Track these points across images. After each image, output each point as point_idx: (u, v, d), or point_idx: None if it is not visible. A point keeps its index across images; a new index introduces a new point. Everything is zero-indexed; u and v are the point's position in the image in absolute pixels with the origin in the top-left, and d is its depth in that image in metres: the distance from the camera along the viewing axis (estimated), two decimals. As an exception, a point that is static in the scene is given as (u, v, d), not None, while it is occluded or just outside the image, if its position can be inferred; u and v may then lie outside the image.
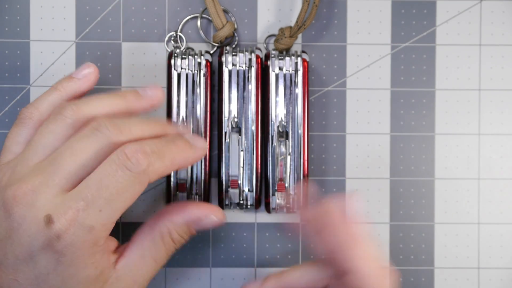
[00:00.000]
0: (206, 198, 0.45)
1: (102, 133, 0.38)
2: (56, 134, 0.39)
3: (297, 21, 0.45)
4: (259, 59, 0.45)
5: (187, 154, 0.40)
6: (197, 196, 0.45)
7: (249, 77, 0.45)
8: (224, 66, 0.45)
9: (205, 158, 0.45)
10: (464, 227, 0.48)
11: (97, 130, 0.38)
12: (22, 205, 0.37)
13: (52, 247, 0.37)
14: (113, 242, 0.40)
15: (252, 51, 0.45)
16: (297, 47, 0.47)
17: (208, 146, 0.40)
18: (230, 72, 0.45)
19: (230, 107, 0.44)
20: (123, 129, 0.38)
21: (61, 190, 0.37)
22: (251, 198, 0.45)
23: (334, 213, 0.40)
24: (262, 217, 0.47)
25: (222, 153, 0.45)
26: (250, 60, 0.45)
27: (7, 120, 0.47)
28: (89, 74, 0.42)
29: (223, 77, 0.45)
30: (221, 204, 0.45)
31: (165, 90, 0.47)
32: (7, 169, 0.40)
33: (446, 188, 0.48)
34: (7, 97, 0.47)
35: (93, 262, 0.38)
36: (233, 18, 0.47)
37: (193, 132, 0.45)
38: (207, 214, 0.41)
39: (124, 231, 0.47)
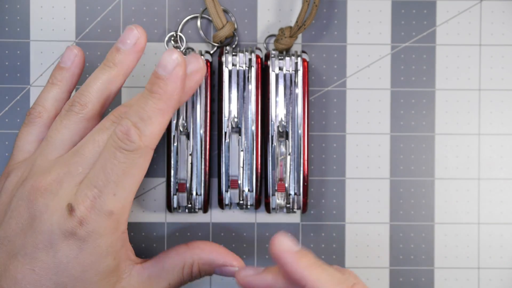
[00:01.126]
0: (206, 198, 0.45)
1: (117, 124, 0.39)
2: (71, 129, 0.41)
3: (297, 21, 0.45)
4: (259, 59, 0.45)
5: (170, 93, 0.39)
6: (197, 196, 0.45)
7: (249, 77, 0.45)
8: (224, 66, 0.45)
9: (205, 158, 0.45)
10: (464, 227, 0.48)
11: (114, 122, 0.40)
12: (47, 194, 0.38)
13: (75, 235, 0.38)
14: (133, 253, 0.42)
15: (252, 51, 0.45)
16: (297, 47, 0.47)
17: (180, 57, 0.38)
18: (230, 72, 0.45)
19: (230, 107, 0.44)
20: (141, 116, 0.39)
21: (84, 179, 0.39)
22: (251, 198, 0.45)
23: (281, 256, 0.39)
24: (262, 217, 0.47)
25: (222, 153, 0.45)
26: (250, 60, 0.45)
27: (7, 120, 0.47)
28: (75, 57, 0.43)
29: (223, 77, 0.45)
30: (221, 204, 0.45)
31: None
32: (26, 165, 0.41)
33: (446, 188, 0.48)
34: (7, 97, 0.47)
35: (114, 252, 0.39)
36: (233, 18, 0.47)
37: (192, 133, 0.45)
38: (233, 264, 0.43)
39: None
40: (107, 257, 0.39)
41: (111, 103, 0.43)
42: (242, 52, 0.45)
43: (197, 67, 0.42)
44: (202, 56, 0.44)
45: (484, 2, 0.48)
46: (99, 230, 0.38)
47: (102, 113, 0.42)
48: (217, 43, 0.47)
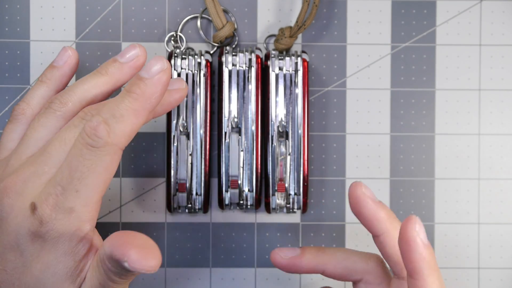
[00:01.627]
0: (206, 198, 0.45)
1: (86, 120, 0.38)
2: (47, 127, 0.39)
3: (297, 21, 0.45)
4: (259, 59, 0.45)
5: (148, 95, 0.38)
6: (197, 196, 0.45)
7: (249, 77, 0.45)
8: (224, 66, 0.45)
9: (205, 158, 0.45)
10: (464, 227, 0.48)
11: (83, 119, 0.38)
12: (12, 195, 0.37)
13: (37, 233, 0.37)
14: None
15: (252, 51, 0.45)
16: (297, 47, 0.47)
17: (167, 64, 0.38)
18: (230, 72, 0.45)
19: (230, 107, 0.44)
20: (114, 113, 0.37)
21: (50, 178, 0.38)
22: (251, 198, 0.45)
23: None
24: (262, 217, 0.47)
25: (222, 153, 0.45)
26: (250, 60, 0.45)
27: (7, 120, 0.47)
28: (68, 58, 0.42)
29: (223, 77, 0.45)
30: (221, 204, 0.45)
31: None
32: (3, 163, 0.40)
33: (446, 188, 0.48)
34: (7, 97, 0.47)
35: (74, 253, 0.37)
36: (233, 18, 0.47)
37: (192, 133, 0.45)
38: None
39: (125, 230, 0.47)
40: (66, 257, 0.37)
41: None
42: (242, 52, 0.45)
43: (180, 86, 0.41)
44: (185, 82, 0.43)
45: (484, 2, 0.48)
46: (58, 228, 0.37)
47: None
48: (217, 43, 0.47)
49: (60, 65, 0.42)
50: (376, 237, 0.40)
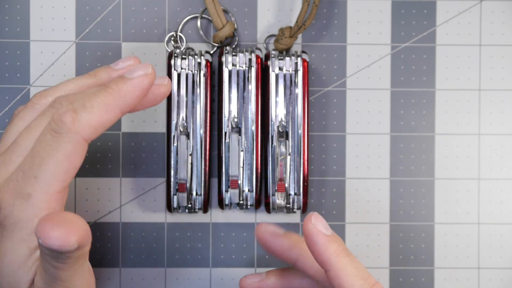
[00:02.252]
0: (206, 198, 0.45)
1: (56, 108, 0.37)
2: (24, 120, 0.39)
3: (297, 21, 0.45)
4: (259, 59, 0.45)
5: (124, 93, 0.37)
6: (197, 196, 0.45)
7: (249, 77, 0.45)
8: (224, 66, 0.45)
9: (205, 158, 0.45)
10: (464, 227, 0.48)
11: (51, 107, 0.38)
12: None
13: None
14: None
15: (252, 51, 0.45)
16: (297, 47, 0.47)
17: (152, 70, 0.38)
18: (230, 72, 0.45)
19: (230, 107, 0.44)
20: (84, 103, 0.37)
21: (17, 167, 0.37)
22: (251, 198, 0.45)
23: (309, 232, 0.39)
24: (262, 217, 0.47)
25: (222, 153, 0.45)
26: (250, 60, 0.45)
27: (7, 120, 0.47)
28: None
29: (223, 77, 0.45)
30: (221, 204, 0.45)
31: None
32: None
33: (446, 188, 0.48)
34: (7, 97, 0.47)
35: (29, 240, 0.36)
36: (233, 18, 0.47)
37: (192, 133, 0.45)
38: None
39: (124, 231, 0.47)
40: (20, 244, 0.36)
41: None
42: (242, 52, 0.45)
43: (161, 82, 0.40)
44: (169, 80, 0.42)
45: (484, 2, 0.48)
46: (15, 214, 0.36)
47: None
48: (217, 43, 0.47)
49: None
50: (295, 265, 0.41)
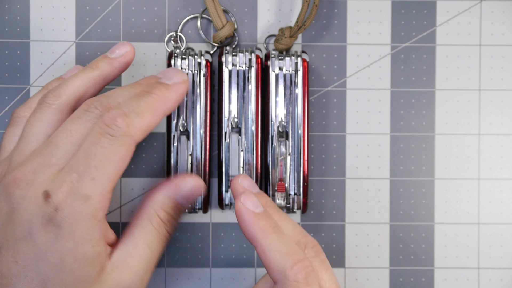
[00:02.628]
0: (206, 198, 0.45)
1: (92, 113, 0.39)
2: (44, 121, 0.41)
3: (297, 21, 0.45)
4: (259, 59, 0.45)
5: (167, 98, 0.41)
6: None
7: (249, 77, 0.45)
8: (224, 66, 0.45)
9: (205, 158, 0.45)
10: (464, 227, 0.48)
11: (87, 111, 0.40)
12: (22, 186, 0.38)
13: (51, 221, 0.37)
14: (112, 236, 0.41)
15: (252, 51, 0.45)
16: (297, 47, 0.47)
17: (187, 78, 0.42)
18: (230, 72, 0.45)
19: (230, 107, 0.44)
20: (110, 104, 0.40)
21: (59, 169, 0.38)
22: (251, 198, 0.45)
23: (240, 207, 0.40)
24: (262, 217, 0.47)
25: (222, 153, 0.45)
26: (250, 60, 0.45)
27: (7, 120, 0.47)
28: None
29: (223, 77, 0.45)
30: (221, 204, 0.45)
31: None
32: (4, 162, 0.41)
33: (446, 188, 0.48)
34: (7, 97, 0.47)
35: (91, 239, 0.38)
36: (233, 18, 0.47)
37: (192, 133, 0.45)
38: (182, 179, 0.42)
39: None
40: (84, 244, 0.38)
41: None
42: (242, 52, 0.45)
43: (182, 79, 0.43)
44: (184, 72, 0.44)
45: (484, 2, 0.48)
46: (74, 215, 0.37)
47: (75, 108, 0.42)
48: (217, 43, 0.47)
49: (66, 77, 0.44)
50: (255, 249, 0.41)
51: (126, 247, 0.40)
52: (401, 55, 0.48)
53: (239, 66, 0.45)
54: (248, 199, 0.40)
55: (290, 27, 0.46)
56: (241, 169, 0.45)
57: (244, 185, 0.42)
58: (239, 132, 0.45)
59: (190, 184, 0.42)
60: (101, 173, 0.38)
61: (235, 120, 0.45)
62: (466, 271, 0.48)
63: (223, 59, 0.45)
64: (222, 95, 0.45)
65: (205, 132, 0.45)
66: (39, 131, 0.41)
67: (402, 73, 0.48)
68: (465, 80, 0.48)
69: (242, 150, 0.45)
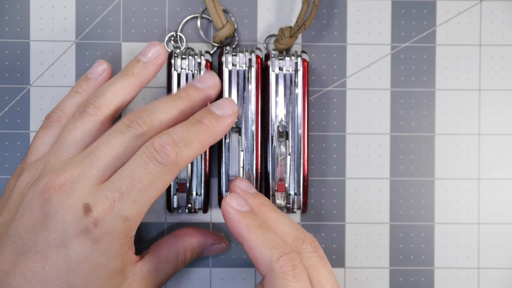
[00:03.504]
0: (206, 198, 0.45)
1: (135, 129, 0.40)
2: (84, 130, 0.41)
3: (297, 21, 0.45)
4: (259, 59, 0.45)
5: (216, 130, 0.41)
6: (197, 196, 0.45)
7: (249, 77, 0.45)
8: (224, 66, 0.45)
9: (205, 158, 0.45)
10: (464, 227, 0.48)
11: (130, 127, 0.40)
12: (61, 193, 0.39)
13: (89, 234, 0.38)
14: (133, 252, 0.42)
15: (252, 51, 0.45)
16: (297, 47, 0.47)
17: (236, 109, 0.42)
18: (230, 72, 0.45)
19: (230, 107, 0.44)
20: (153, 121, 0.40)
21: (98, 181, 0.39)
22: (251, 198, 0.45)
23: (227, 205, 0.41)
24: (262, 217, 0.47)
25: (222, 153, 0.45)
26: (250, 60, 0.45)
27: (7, 120, 0.47)
28: (103, 71, 0.44)
29: (223, 77, 0.45)
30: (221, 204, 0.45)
31: (165, 90, 0.47)
32: (38, 164, 0.41)
33: (446, 188, 0.48)
34: (7, 97, 0.47)
35: (122, 254, 0.39)
36: (233, 18, 0.47)
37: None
38: (220, 241, 0.45)
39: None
40: (116, 259, 0.39)
41: (123, 110, 0.44)
42: (242, 52, 0.45)
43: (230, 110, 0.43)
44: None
45: (484, 2, 0.48)
46: (112, 232, 0.38)
47: (115, 118, 0.43)
48: (217, 43, 0.47)
49: (96, 77, 0.44)
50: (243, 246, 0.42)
51: (149, 265, 0.42)
52: (401, 55, 0.48)
53: (239, 66, 0.45)
54: (233, 199, 0.41)
55: (290, 27, 0.46)
56: (241, 169, 0.45)
57: (241, 187, 0.43)
58: (239, 132, 0.45)
59: (221, 248, 0.46)
60: (143, 197, 0.39)
61: (235, 120, 0.44)
62: (466, 271, 0.48)
63: (223, 59, 0.45)
64: (222, 95, 0.45)
65: (205, 132, 0.45)
66: (78, 139, 0.41)
67: (402, 73, 0.48)
68: (465, 80, 0.48)
69: (242, 150, 0.45)
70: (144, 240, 0.47)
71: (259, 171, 0.45)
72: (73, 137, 0.41)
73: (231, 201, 0.41)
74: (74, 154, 0.41)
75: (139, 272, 0.42)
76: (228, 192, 0.44)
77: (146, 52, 0.43)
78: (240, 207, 0.41)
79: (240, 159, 0.45)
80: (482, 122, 0.48)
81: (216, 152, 0.46)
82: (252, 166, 0.45)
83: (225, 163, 0.45)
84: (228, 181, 0.45)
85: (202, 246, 0.45)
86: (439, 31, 0.48)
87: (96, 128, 0.41)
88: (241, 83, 0.45)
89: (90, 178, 0.39)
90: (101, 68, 0.44)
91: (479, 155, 0.48)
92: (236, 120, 0.43)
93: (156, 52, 0.43)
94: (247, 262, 0.48)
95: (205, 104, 0.43)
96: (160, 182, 0.39)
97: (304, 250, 0.40)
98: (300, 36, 0.47)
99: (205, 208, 0.46)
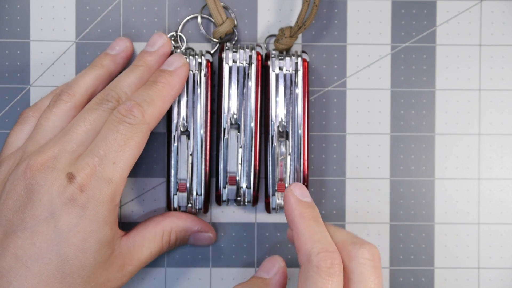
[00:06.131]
0: (206, 198, 0.45)
1: (106, 104, 0.42)
2: (60, 116, 0.43)
3: (297, 21, 0.45)
4: (260, 56, 0.45)
5: (173, 84, 0.43)
6: (197, 196, 0.45)
7: (249, 74, 0.45)
8: (224, 62, 0.45)
9: (205, 158, 0.45)
10: (464, 227, 0.48)
11: (101, 103, 0.42)
12: (44, 169, 0.39)
13: (76, 202, 0.39)
14: (117, 226, 0.42)
15: (252, 48, 0.45)
16: (297, 47, 0.47)
17: (186, 61, 0.44)
18: (230, 68, 0.45)
19: (229, 104, 0.44)
20: (120, 94, 0.43)
21: (79, 154, 0.40)
22: (248, 195, 0.45)
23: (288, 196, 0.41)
24: (262, 217, 0.47)
25: (220, 149, 0.45)
26: (250, 57, 0.45)
27: (7, 120, 0.47)
28: (125, 48, 0.46)
29: (223, 74, 0.45)
30: (219, 200, 0.45)
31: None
32: (17, 153, 0.42)
33: (446, 188, 0.48)
34: (7, 97, 0.47)
35: (110, 222, 0.40)
36: (232, 15, 0.47)
37: (193, 132, 0.45)
38: (207, 230, 0.46)
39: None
40: (106, 226, 0.40)
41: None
42: (243, 48, 0.45)
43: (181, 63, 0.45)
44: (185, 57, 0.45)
45: (484, 2, 0.48)
46: (99, 197, 0.39)
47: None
48: (217, 39, 0.47)
49: (117, 53, 0.46)
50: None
51: (135, 241, 0.43)
52: (401, 55, 0.48)
53: (240, 63, 0.45)
54: (297, 188, 0.41)
55: (290, 27, 0.46)
56: (239, 166, 0.44)
57: (295, 194, 0.42)
58: (238, 129, 0.44)
59: (208, 237, 0.46)
60: (121, 157, 0.40)
61: (234, 116, 0.45)
62: (466, 271, 0.48)
63: (224, 55, 0.45)
64: (221, 92, 0.45)
65: (205, 132, 0.45)
66: (55, 125, 0.43)
67: (402, 73, 0.48)
68: (465, 80, 0.48)
69: (240, 147, 0.45)
70: (144, 240, 0.47)
71: (257, 168, 0.45)
72: (50, 123, 0.43)
73: (295, 189, 0.41)
74: (51, 138, 0.42)
75: (125, 247, 0.42)
76: (227, 186, 0.45)
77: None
78: (301, 196, 0.41)
79: (238, 156, 0.45)
80: (482, 122, 0.48)
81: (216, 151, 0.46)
82: (251, 163, 0.44)
83: (223, 159, 0.45)
84: (226, 177, 0.45)
85: (188, 230, 0.45)
86: (439, 31, 0.48)
87: (71, 113, 0.43)
88: (241, 80, 0.45)
89: (71, 152, 0.40)
90: (122, 44, 0.46)
91: (479, 155, 0.48)
92: (190, 71, 0.45)
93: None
94: (247, 262, 0.48)
95: (161, 64, 0.45)
96: (134, 140, 0.41)
97: (360, 255, 0.39)
98: (300, 36, 0.47)
99: (205, 208, 0.45)
